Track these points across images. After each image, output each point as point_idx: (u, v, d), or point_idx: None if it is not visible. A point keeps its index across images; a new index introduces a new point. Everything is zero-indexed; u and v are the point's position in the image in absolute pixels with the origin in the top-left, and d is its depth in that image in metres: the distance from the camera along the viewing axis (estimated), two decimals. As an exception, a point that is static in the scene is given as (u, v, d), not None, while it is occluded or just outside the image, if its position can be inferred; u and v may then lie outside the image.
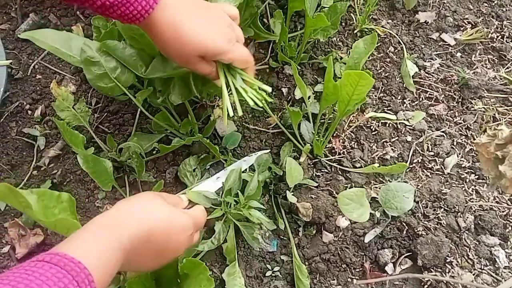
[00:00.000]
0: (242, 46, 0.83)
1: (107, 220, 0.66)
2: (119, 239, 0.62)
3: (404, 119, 1.15)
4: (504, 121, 1.15)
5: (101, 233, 0.61)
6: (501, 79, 1.21)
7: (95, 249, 0.57)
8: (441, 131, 1.15)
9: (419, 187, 1.08)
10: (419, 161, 1.12)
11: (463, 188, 1.09)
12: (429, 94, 1.19)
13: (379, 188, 1.07)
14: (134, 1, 0.70)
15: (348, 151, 1.12)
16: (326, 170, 1.10)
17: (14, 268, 0.51)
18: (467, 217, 1.05)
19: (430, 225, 1.04)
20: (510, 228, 1.05)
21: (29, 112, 1.18)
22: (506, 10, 1.32)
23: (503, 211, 1.06)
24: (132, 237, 0.64)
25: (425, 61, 1.24)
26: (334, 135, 1.14)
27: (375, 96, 1.19)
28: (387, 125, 1.16)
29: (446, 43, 1.27)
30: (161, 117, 1.07)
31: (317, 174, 1.10)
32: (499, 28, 1.29)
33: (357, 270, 1.01)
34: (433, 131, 1.15)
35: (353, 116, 1.16)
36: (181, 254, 0.76)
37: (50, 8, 1.30)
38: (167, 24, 0.74)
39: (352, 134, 1.14)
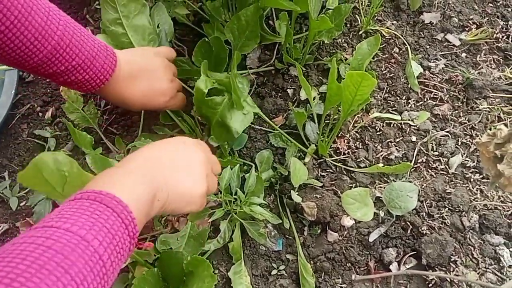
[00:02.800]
0: (178, 95, 1.02)
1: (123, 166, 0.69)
2: (140, 172, 0.67)
3: (409, 119, 1.16)
4: (509, 121, 1.16)
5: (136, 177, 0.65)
6: (506, 79, 1.22)
7: (135, 194, 0.61)
8: (445, 131, 1.15)
9: (423, 186, 1.09)
10: (424, 161, 1.12)
11: (468, 188, 1.09)
12: (434, 94, 1.20)
13: (384, 187, 1.08)
14: (90, 78, 0.82)
15: (353, 151, 1.13)
16: (331, 170, 1.11)
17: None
18: (472, 216, 1.05)
19: (435, 224, 1.04)
20: (515, 227, 1.06)
21: (40, 114, 1.21)
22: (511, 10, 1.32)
23: (507, 210, 1.07)
24: (150, 159, 0.71)
25: (430, 62, 1.24)
26: (339, 135, 1.15)
27: (380, 96, 1.20)
28: (392, 125, 1.16)
29: (451, 44, 1.28)
30: (165, 119, 1.10)
31: (322, 174, 1.11)
32: (504, 28, 1.29)
33: (362, 269, 1.02)
34: (437, 131, 1.15)
35: (358, 117, 1.17)
36: (204, 178, 0.79)
37: (60, 12, 1.33)
38: (112, 93, 0.89)
39: (357, 134, 1.15)
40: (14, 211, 1.09)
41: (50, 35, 0.75)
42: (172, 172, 0.72)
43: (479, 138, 0.80)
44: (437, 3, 1.32)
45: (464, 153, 1.13)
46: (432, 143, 1.14)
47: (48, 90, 1.24)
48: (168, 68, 0.97)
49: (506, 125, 1.15)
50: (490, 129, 0.79)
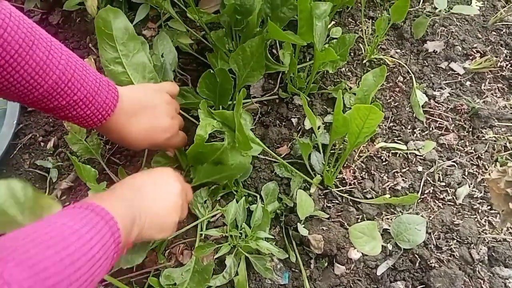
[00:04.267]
0: (179, 134, 1.01)
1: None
2: (123, 196, 0.74)
3: (415, 149, 1.15)
4: (516, 150, 1.15)
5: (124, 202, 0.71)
6: (511, 108, 1.21)
7: (120, 215, 0.65)
8: (452, 161, 1.14)
9: (431, 218, 1.07)
10: (431, 192, 1.11)
11: (476, 219, 1.08)
12: (439, 123, 1.19)
13: (391, 219, 1.07)
14: (92, 113, 0.82)
15: (359, 181, 1.12)
16: (337, 201, 1.10)
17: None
18: (481, 249, 1.04)
19: (443, 257, 1.03)
20: (524, 259, 1.04)
21: (42, 144, 1.20)
22: (515, 38, 1.32)
23: (517, 242, 1.05)
24: (130, 189, 0.78)
25: (435, 91, 1.24)
26: (345, 165, 1.14)
27: (385, 125, 1.19)
28: (398, 155, 1.15)
29: (455, 72, 1.27)
30: (161, 157, 1.10)
31: (328, 205, 1.10)
32: (508, 57, 1.29)
33: (370, 303, 1.00)
34: (444, 161, 1.14)
35: (363, 146, 1.16)
36: (178, 208, 0.85)
37: (63, 40, 1.33)
38: (113, 129, 0.88)
39: (362, 164, 1.14)
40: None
41: (51, 70, 0.74)
42: (151, 202, 0.78)
43: (489, 174, 0.79)
44: (441, 32, 1.32)
45: (471, 184, 1.12)
46: (438, 173, 1.13)
47: (50, 120, 1.23)
48: (170, 104, 0.96)
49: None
50: (500, 165, 0.78)
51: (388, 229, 1.04)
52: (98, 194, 0.72)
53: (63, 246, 0.52)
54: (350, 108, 1.14)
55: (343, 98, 1.17)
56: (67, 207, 0.62)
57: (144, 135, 0.91)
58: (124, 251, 0.71)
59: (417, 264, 1.02)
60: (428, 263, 1.01)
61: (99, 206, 0.62)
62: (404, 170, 1.13)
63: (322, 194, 1.11)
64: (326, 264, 1.03)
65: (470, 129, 1.19)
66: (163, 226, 0.80)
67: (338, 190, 1.11)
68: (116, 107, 0.84)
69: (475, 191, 1.11)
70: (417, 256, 1.03)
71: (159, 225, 0.79)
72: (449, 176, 1.12)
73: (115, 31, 0.96)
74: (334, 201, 1.10)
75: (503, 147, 1.16)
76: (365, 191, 1.11)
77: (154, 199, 0.79)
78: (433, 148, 1.15)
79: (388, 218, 1.08)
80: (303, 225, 1.03)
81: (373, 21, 1.34)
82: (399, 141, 1.17)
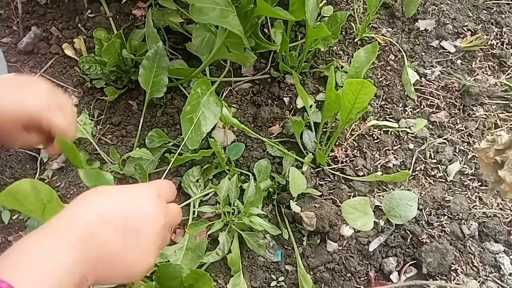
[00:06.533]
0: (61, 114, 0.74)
1: (58, 224, 0.54)
2: (68, 244, 0.51)
3: (406, 127, 1.15)
4: (506, 127, 1.16)
5: (43, 249, 0.49)
6: (501, 85, 1.22)
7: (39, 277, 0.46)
8: (443, 139, 1.15)
9: (422, 194, 1.08)
10: (422, 169, 1.12)
11: (466, 195, 1.09)
12: (431, 101, 1.20)
13: (383, 196, 1.08)
14: None
15: (350, 159, 1.12)
16: (329, 179, 1.10)
17: None
18: (471, 224, 1.05)
19: (434, 233, 1.03)
20: (514, 234, 1.05)
21: (32, 125, 1.19)
22: (505, 17, 1.32)
23: (506, 218, 1.06)
24: (85, 224, 0.53)
25: (426, 69, 1.24)
26: (337, 143, 1.14)
27: (377, 104, 1.19)
28: (389, 133, 1.16)
29: (446, 51, 1.27)
30: (156, 133, 1.09)
31: (320, 183, 1.10)
32: (498, 35, 1.29)
33: (362, 279, 1.01)
34: (435, 139, 1.15)
35: (355, 125, 1.16)
36: (156, 248, 0.61)
37: (52, 21, 1.31)
38: None
39: (354, 142, 1.14)
40: (6, 225, 1.06)
41: None
42: (115, 247, 0.56)
43: (478, 144, 0.80)
44: (432, 10, 1.32)
45: (462, 160, 1.13)
46: (430, 151, 1.13)
47: (40, 100, 1.21)
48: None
49: (506, 131, 1.15)
50: (489, 135, 0.78)
51: (380, 206, 1.05)
52: (26, 249, 0.49)
53: None
54: (342, 87, 1.14)
55: (335, 76, 1.17)
56: None
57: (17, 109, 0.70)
58: None
59: (408, 240, 1.03)
60: (420, 239, 1.02)
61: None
62: (395, 147, 1.14)
63: (314, 172, 1.11)
64: (318, 241, 1.04)
65: (461, 107, 1.19)
66: (129, 274, 0.59)
67: (330, 168, 1.11)
68: None
69: (466, 168, 1.12)
70: (408, 232, 1.03)
71: (123, 272, 0.58)
72: (440, 153, 1.13)
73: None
74: (326, 179, 1.11)
75: (493, 124, 1.17)
76: (357, 168, 1.11)
77: (124, 234, 0.57)
78: (425, 126, 1.15)
79: (380, 195, 1.08)
80: (296, 203, 1.03)
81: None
82: (390, 119, 1.17)
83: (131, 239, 0.57)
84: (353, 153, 1.13)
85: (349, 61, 1.24)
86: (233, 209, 0.99)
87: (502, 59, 1.26)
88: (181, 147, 1.02)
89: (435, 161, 1.12)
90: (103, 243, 0.54)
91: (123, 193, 0.61)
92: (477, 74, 1.23)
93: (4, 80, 0.72)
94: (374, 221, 0.95)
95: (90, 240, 0.53)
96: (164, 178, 1.10)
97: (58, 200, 0.62)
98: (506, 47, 1.28)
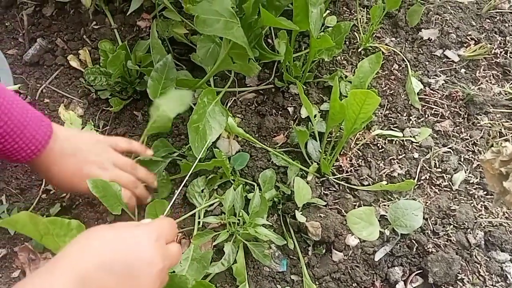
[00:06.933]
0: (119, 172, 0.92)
1: (55, 263, 0.57)
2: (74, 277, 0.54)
3: (411, 136, 1.16)
4: (511, 136, 1.16)
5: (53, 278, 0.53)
6: (506, 94, 1.22)
7: None
8: (448, 148, 1.15)
9: (427, 204, 1.08)
10: (427, 178, 1.12)
11: (472, 204, 1.08)
12: (435, 110, 1.20)
13: (388, 205, 1.07)
14: (20, 148, 0.78)
15: (355, 169, 1.12)
16: (334, 189, 1.10)
17: None
18: (477, 234, 1.04)
19: (440, 242, 1.03)
20: (520, 243, 1.05)
21: (38, 136, 1.19)
22: (509, 25, 1.33)
23: (512, 227, 1.06)
24: (81, 270, 0.55)
25: (430, 78, 1.24)
26: (341, 153, 1.14)
27: (381, 113, 1.20)
28: (394, 142, 1.16)
29: (450, 60, 1.28)
30: (161, 143, 1.09)
31: (325, 192, 1.10)
32: (502, 44, 1.30)
33: (368, 289, 1.01)
34: (440, 148, 1.15)
35: (359, 134, 1.16)
36: None
37: (57, 32, 1.32)
38: (40, 167, 0.84)
39: (359, 152, 1.15)
40: (12, 236, 1.06)
41: None
42: (116, 286, 0.57)
43: (484, 155, 0.80)
44: (435, 20, 1.33)
45: (467, 170, 1.13)
46: (434, 160, 1.13)
47: (46, 112, 1.22)
48: (106, 156, 0.92)
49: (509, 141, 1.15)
50: (494, 146, 0.78)
51: (385, 216, 1.05)
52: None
53: None
54: (346, 97, 1.15)
55: (339, 86, 1.17)
56: None
57: (66, 179, 0.87)
58: None
59: (414, 250, 1.03)
60: (425, 248, 1.02)
61: None
62: (400, 157, 1.14)
63: (319, 182, 1.11)
64: (324, 251, 1.04)
65: (466, 116, 1.19)
66: None
67: (335, 178, 1.11)
68: (48, 144, 0.82)
69: (471, 177, 1.12)
70: (414, 242, 1.03)
71: None
72: (445, 162, 1.13)
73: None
74: (331, 189, 1.11)
75: (498, 133, 1.16)
76: (361, 178, 1.11)
77: (116, 283, 0.57)
78: (429, 135, 1.15)
79: (385, 205, 1.08)
80: (301, 212, 1.03)
81: (368, 9, 1.35)
82: (395, 129, 1.17)
83: (128, 285, 0.58)
84: (357, 162, 1.13)
85: (353, 70, 1.24)
86: (238, 220, 0.99)
87: (506, 68, 1.26)
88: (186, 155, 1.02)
89: (440, 170, 1.12)
90: (112, 283, 0.56)
91: (121, 238, 0.61)
92: (481, 83, 1.24)
93: None
94: (380, 231, 0.95)
95: (87, 284, 0.54)
96: (178, 185, 1.10)
97: (55, 231, 0.66)
98: (510, 56, 1.28)
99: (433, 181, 1.11)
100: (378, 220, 0.97)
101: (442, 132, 1.17)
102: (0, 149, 0.78)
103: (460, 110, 1.20)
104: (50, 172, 0.86)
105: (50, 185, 1.10)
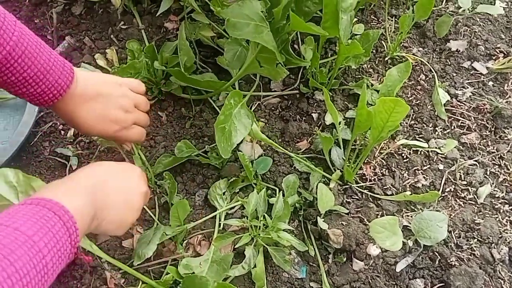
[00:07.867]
0: (133, 129, 0.95)
1: (71, 176, 0.72)
2: (82, 189, 0.69)
3: (436, 147, 1.14)
4: (538, 152, 1.14)
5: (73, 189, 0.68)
6: (534, 108, 1.20)
7: (79, 209, 0.63)
8: (473, 160, 1.13)
9: (451, 216, 1.06)
10: (452, 190, 1.10)
11: (497, 219, 1.07)
12: (461, 122, 1.18)
13: (411, 216, 1.06)
14: (43, 92, 0.80)
15: (379, 178, 1.11)
16: (356, 197, 1.09)
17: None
18: (502, 249, 1.03)
19: (463, 256, 1.01)
20: (546, 261, 1.03)
21: (62, 132, 1.20)
22: (539, 39, 1.31)
23: (538, 244, 1.04)
24: (93, 179, 0.72)
25: (457, 90, 1.23)
26: (365, 161, 1.13)
27: (406, 123, 1.18)
28: (419, 152, 1.15)
29: (478, 72, 1.26)
30: (184, 144, 1.10)
31: (348, 200, 1.09)
32: (531, 58, 1.28)
33: (388, 300, 1.00)
34: (465, 160, 1.13)
35: (384, 143, 1.15)
36: (139, 207, 0.82)
37: (85, 31, 1.33)
38: (64, 111, 0.85)
39: (383, 161, 1.13)
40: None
41: (1, 45, 0.72)
42: (114, 197, 0.75)
43: (511, 170, 0.78)
44: (464, 31, 1.31)
45: (493, 183, 1.11)
46: (460, 172, 1.12)
47: (71, 109, 1.23)
48: (127, 98, 0.93)
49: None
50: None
51: (408, 226, 1.03)
52: (56, 186, 0.68)
53: (12, 259, 0.50)
54: (372, 105, 1.14)
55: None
56: (24, 202, 0.60)
57: (93, 123, 0.89)
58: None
59: (437, 262, 1.01)
60: (448, 261, 1.00)
61: (57, 204, 0.60)
62: (425, 167, 1.12)
63: (341, 190, 1.10)
64: (344, 259, 1.03)
65: (493, 129, 1.18)
66: (122, 224, 0.78)
67: (358, 186, 1.10)
68: (69, 88, 0.82)
69: (497, 191, 1.10)
70: (437, 254, 1.02)
71: (118, 222, 0.77)
72: (470, 175, 1.11)
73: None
74: (353, 197, 1.10)
75: (525, 148, 1.15)
76: (385, 187, 1.10)
77: (116, 194, 0.76)
78: (455, 147, 1.14)
79: (408, 215, 1.07)
80: (323, 219, 1.02)
81: (396, 19, 1.34)
82: (420, 139, 1.16)
83: (123, 196, 0.77)
84: (381, 171, 1.12)
85: (379, 79, 1.23)
86: (261, 223, 0.99)
87: (535, 82, 1.24)
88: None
89: (465, 182, 1.11)
90: (105, 194, 0.72)
91: (119, 167, 0.81)
92: (509, 97, 1.22)
93: None
94: (402, 242, 0.94)
95: (98, 190, 0.70)
96: (190, 190, 1.10)
97: (25, 175, 0.71)
98: (539, 70, 1.26)
99: (458, 194, 1.10)
100: (401, 231, 0.96)
101: (468, 145, 1.15)
102: (24, 93, 0.79)
103: (487, 123, 1.18)
104: (72, 115, 0.86)
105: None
